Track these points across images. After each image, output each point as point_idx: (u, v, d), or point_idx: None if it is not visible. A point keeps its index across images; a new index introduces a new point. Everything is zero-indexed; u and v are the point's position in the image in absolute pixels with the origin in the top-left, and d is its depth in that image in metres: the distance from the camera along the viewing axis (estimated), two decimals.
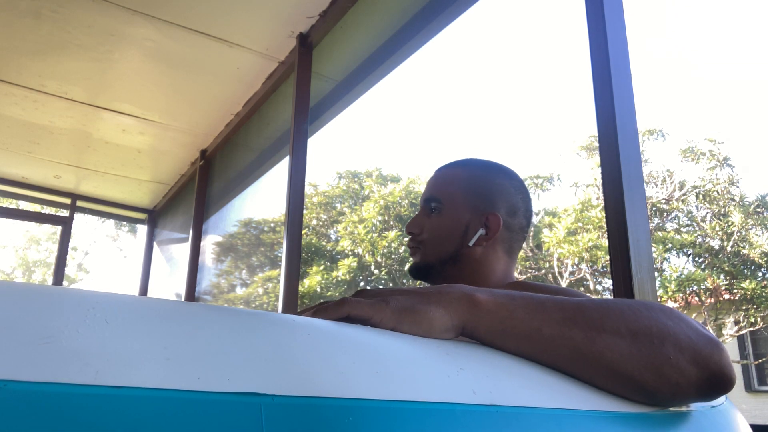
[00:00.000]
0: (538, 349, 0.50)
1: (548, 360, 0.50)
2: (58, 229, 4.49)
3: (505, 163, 1.03)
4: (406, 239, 1.02)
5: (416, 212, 1.02)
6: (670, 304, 8.14)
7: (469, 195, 0.95)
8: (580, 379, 0.50)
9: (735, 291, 8.09)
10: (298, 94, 2.33)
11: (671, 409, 0.52)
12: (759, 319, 8.09)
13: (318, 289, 9.04)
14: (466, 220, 0.94)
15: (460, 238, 0.94)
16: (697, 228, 8.99)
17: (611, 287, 1.13)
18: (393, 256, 9.32)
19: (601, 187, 8.12)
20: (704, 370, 0.50)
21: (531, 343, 0.50)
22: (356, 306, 0.50)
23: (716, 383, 0.50)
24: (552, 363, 0.50)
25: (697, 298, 8.27)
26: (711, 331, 0.53)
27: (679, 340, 0.50)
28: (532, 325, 0.50)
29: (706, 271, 8.20)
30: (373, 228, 9.53)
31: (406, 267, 9.37)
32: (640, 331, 0.50)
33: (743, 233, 8.55)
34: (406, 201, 9.69)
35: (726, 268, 8.21)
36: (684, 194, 9.19)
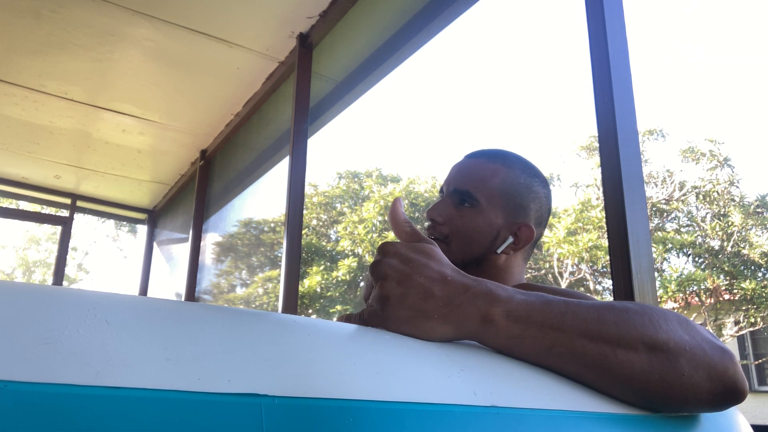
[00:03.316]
0: (547, 364, 0.48)
1: (557, 372, 0.49)
2: (58, 229, 4.49)
3: None
4: (426, 224, 0.91)
5: (436, 200, 0.93)
6: (670, 304, 8.14)
7: (506, 197, 0.89)
8: (589, 388, 0.49)
9: (735, 291, 8.09)
10: (298, 94, 2.33)
11: None
12: (759, 319, 8.10)
13: (318, 289, 9.04)
14: (498, 224, 0.88)
15: (490, 242, 0.88)
16: (697, 228, 8.99)
17: (611, 287, 1.13)
18: None
19: (601, 187, 8.12)
20: (717, 384, 0.48)
21: (540, 358, 0.48)
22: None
23: (729, 396, 0.49)
24: (561, 374, 0.49)
25: (697, 298, 8.27)
26: (721, 341, 0.52)
27: (695, 355, 0.48)
28: (544, 343, 0.48)
29: (706, 272, 8.21)
30: (373, 228, 9.54)
31: None
32: (657, 347, 0.48)
33: (743, 233, 8.55)
34: (406, 201, 9.70)
35: (726, 268, 8.22)
36: (684, 194, 9.19)
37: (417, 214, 9.69)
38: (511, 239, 0.88)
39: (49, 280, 13.14)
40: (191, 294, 3.54)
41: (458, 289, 0.48)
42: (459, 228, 0.88)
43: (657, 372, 0.47)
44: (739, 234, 8.49)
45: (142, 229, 4.96)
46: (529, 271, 9.12)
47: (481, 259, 0.88)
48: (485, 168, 0.90)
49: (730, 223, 8.54)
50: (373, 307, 0.49)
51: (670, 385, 0.47)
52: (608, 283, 8.82)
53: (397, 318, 0.47)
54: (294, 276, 2.13)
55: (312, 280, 9.01)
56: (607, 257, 3.57)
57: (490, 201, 0.88)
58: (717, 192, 9.01)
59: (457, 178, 0.91)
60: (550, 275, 8.90)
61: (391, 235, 9.24)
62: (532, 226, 0.89)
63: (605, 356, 0.47)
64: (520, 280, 0.93)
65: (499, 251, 0.88)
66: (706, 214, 9.05)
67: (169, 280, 4.31)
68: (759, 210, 8.79)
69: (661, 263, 8.32)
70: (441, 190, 0.95)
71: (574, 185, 9.53)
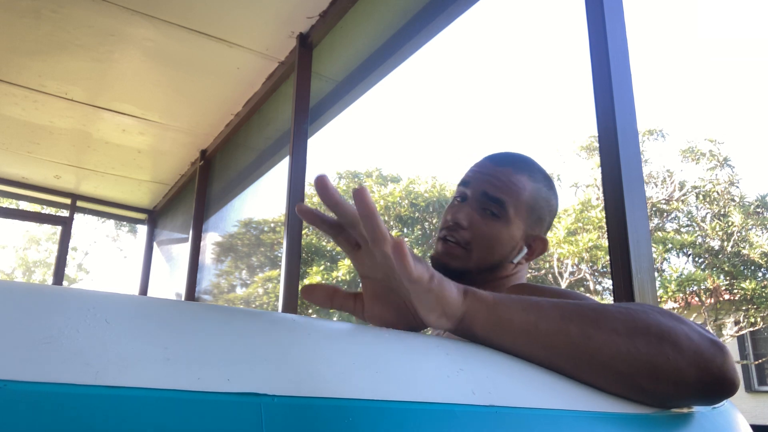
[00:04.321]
0: (534, 346, 0.50)
1: (544, 357, 0.50)
2: (58, 229, 4.49)
3: None
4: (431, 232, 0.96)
5: (456, 200, 0.92)
6: (670, 304, 8.15)
7: (530, 211, 0.89)
8: (577, 379, 0.49)
9: (735, 291, 8.09)
10: (298, 94, 2.33)
11: (671, 410, 0.52)
12: (759, 319, 8.10)
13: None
14: (518, 237, 0.89)
15: (508, 253, 0.89)
16: (697, 228, 8.99)
17: (611, 287, 1.13)
18: None
19: (601, 187, 8.12)
20: (705, 372, 0.49)
21: (528, 338, 0.50)
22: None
23: (718, 387, 0.50)
24: (548, 361, 0.50)
25: (697, 299, 8.27)
26: (715, 335, 0.52)
27: (680, 341, 0.49)
28: (529, 320, 0.50)
29: (706, 272, 8.21)
30: None
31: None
32: (639, 330, 0.49)
33: (743, 233, 8.55)
34: (406, 201, 9.69)
35: (726, 268, 8.22)
36: (684, 194, 9.19)
37: (417, 214, 9.69)
38: (525, 250, 0.90)
39: (49, 280, 13.13)
40: (191, 294, 3.54)
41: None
42: (483, 236, 0.87)
43: (642, 353, 0.48)
44: (739, 234, 8.49)
45: (142, 229, 4.96)
46: (529, 271, 9.09)
47: (496, 267, 0.89)
48: (516, 179, 0.89)
49: (730, 223, 8.53)
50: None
51: (657, 368, 0.48)
52: (608, 283, 8.82)
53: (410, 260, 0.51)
54: (294, 276, 2.13)
55: (312, 280, 9.01)
56: (607, 257, 3.57)
57: (517, 213, 0.88)
58: (717, 192, 9.00)
59: (488, 185, 0.89)
60: (550, 275, 8.90)
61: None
62: (546, 238, 0.92)
63: (589, 336, 0.49)
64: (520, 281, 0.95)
65: (515, 261, 0.89)
66: (706, 214, 9.05)
67: (169, 280, 4.31)
68: (759, 210, 8.79)
69: (661, 263, 8.32)
70: (462, 189, 0.92)
71: (574, 185, 9.53)
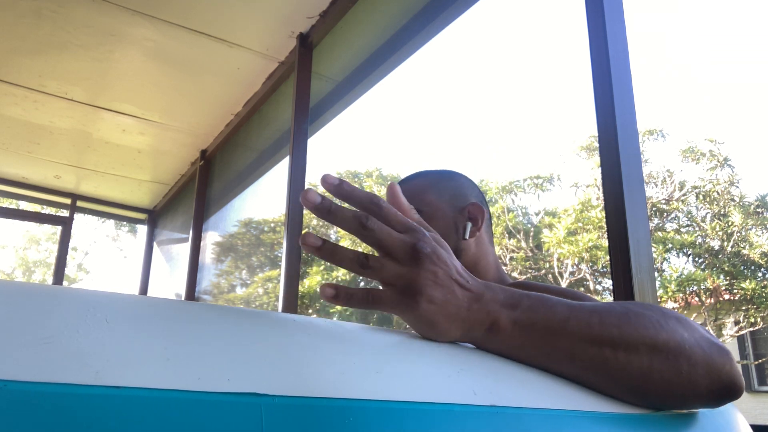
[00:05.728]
0: (549, 367, 0.49)
1: (557, 374, 0.49)
2: (58, 229, 4.49)
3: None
4: None
5: None
6: (670, 304, 8.15)
7: (441, 196, 0.98)
8: (587, 388, 0.49)
9: (735, 291, 8.08)
10: (298, 94, 2.33)
11: (673, 411, 0.52)
12: (759, 319, 8.09)
13: (318, 289, 9.04)
14: (451, 217, 0.96)
15: (454, 235, 0.95)
16: (697, 228, 8.99)
17: (611, 287, 1.13)
18: None
19: (601, 187, 8.12)
20: (715, 381, 0.49)
21: (538, 363, 0.49)
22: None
23: (726, 393, 0.50)
24: (562, 376, 0.49)
25: (697, 299, 8.26)
26: (719, 340, 0.52)
27: (694, 353, 0.49)
28: (544, 350, 0.48)
29: (706, 272, 8.20)
30: None
31: None
32: (657, 347, 0.48)
33: (743, 233, 8.55)
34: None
35: (726, 268, 8.21)
36: (684, 194, 9.19)
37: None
38: (469, 224, 0.95)
39: (49, 280, 13.13)
40: (191, 294, 3.54)
41: (474, 296, 0.48)
42: None
43: (656, 371, 0.48)
44: (739, 234, 8.48)
45: (142, 229, 4.96)
46: (529, 271, 9.11)
47: (455, 252, 0.93)
48: (410, 187, 1.00)
49: (730, 223, 8.53)
50: (391, 287, 0.47)
51: (670, 383, 0.48)
52: (608, 283, 8.82)
53: (419, 309, 0.46)
54: (294, 276, 2.13)
55: (312, 280, 9.01)
56: (607, 257, 3.57)
57: (431, 205, 0.96)
58: (717, 192, 8.99)
59: None
60: (550, 275, 8.90)
61: None
62: (477, 202, 0.97)
63: (605, 359, 0.48)
64: (499, 269, 0.99)
65: (466, 237, 0.95)
66: (706, 214, 9.04)
67: (169, 280, 4.31)
68: (759, 210, 8.78)
69: (661, 263, 8.31)
70: None
71: (574, 185, 9.52)
